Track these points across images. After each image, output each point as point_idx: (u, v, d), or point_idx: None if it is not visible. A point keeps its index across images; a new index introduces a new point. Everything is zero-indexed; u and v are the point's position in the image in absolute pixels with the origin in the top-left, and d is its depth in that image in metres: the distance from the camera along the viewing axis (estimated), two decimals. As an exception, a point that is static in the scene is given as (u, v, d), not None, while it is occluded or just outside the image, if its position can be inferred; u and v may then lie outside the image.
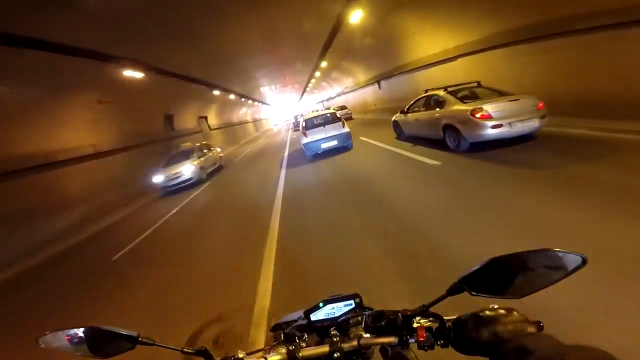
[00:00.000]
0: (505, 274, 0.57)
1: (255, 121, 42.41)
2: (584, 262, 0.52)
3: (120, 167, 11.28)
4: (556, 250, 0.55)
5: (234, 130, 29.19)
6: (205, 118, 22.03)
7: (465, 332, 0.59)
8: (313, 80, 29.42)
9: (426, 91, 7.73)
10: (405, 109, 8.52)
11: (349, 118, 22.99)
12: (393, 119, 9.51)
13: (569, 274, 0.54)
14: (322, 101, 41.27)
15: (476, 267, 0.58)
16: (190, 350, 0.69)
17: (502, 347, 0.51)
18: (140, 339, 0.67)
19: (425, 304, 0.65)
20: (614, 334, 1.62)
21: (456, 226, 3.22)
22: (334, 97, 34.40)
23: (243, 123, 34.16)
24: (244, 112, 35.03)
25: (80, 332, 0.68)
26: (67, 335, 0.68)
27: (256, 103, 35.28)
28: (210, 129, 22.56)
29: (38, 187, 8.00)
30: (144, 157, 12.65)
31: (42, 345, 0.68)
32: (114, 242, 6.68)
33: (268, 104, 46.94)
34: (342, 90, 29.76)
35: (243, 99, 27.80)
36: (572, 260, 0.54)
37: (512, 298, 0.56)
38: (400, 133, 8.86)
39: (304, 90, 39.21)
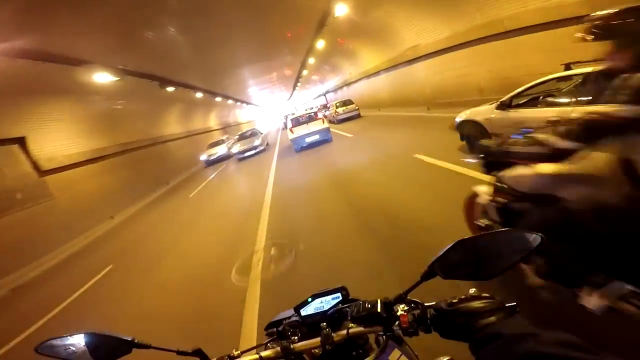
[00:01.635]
0: (473, 256, 0.60)
1: (226, 127, 31.65)
2: (543, 240, 0.56)
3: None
4: (516, 231, 0.59)
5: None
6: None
7: (443, 317, 0.62)
8: (305, 72, 24.82)
9: (568, 67, 3.78)
10: (509, 100, 4.44)
11: (355, 116, 18.09)
12: (465, 118, 5.34)
13: (529, 253, 0.57)
14: (324, 94, 34.71)
15: (444, 250, 0.62)
16: (185, 351, 0.71)
17: (478, 334, 0.53)
18: (135, 342, 0.70)
19: (402, 291, 0.68)
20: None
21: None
22: (337, 87, 28.37)
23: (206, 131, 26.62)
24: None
25: (78, 338, 0.71)
26: (66, 342, 0.71)
27: (234, 102, 30.13)
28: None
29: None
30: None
31: (41, 354, 0.69)
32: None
33: (254, 104, 42.05)
34: (344, 80, 24.37)
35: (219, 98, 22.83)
36: (531, 239, 0.57)
37: (481, 280, 0.59)
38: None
39: (295, 85, 33.26)
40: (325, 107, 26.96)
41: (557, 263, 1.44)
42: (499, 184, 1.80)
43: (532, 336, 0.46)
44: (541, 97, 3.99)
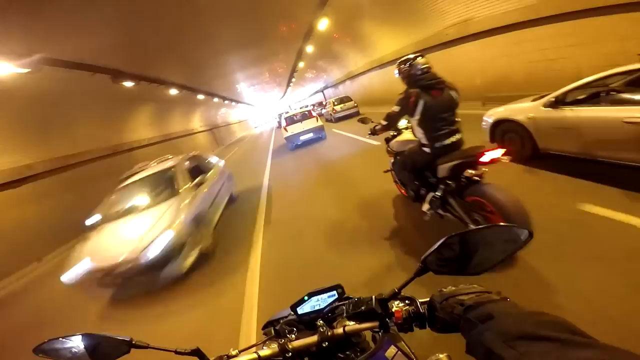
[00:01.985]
0: (464, 251, 0.63)
1: (213, 129, 28.28)
2: (531, 235, 0.59)
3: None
4: (505, 226, 0.63)
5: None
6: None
7: (436, 312, 0.64)
8: (301, 64, 22.21)
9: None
10: (562, 95, 3.33)
11: (354, 114, 16.52)
12: (500, 117, 4.14)
13: (520, 248, 0.61)
14: (323, 90, 30.36)
15: (435, 246, 0.65)
16: (184, 351, 0.72)
17: (468, 315, 0.55)
18: (134, 343, 0.71)
19: (397, 287, 0.71)
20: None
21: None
22: (338, 82, 25.09)
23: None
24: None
25: (76, 339, 0.72)
26: (64, 344, 0.72)
27: (222, 101, 27.28)
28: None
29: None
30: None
31: (40, 356, 0.71)
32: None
33: (247, 103, 39.73)
34: (347, 73, 21.11)
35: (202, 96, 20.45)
36: (520, 234, 0.60)
37: (473, 274, 0.63)
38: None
39: (290, 81, 30.01)
40: (321, 104, 24.91)
41: (409, 186, 3.13)
42: (389, 149, 3.65)
43: (525, 317, 0.47)
44: (605, 93, 3.05)
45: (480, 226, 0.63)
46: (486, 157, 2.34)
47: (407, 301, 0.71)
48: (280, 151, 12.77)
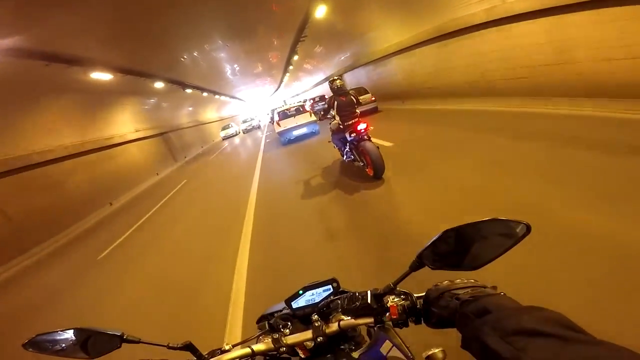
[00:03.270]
0: (460, 246, 0.62)
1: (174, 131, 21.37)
2: (528, 229, 0.58)
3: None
4: (502, 220, 0.60)
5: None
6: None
7: (431, 307, 0.64)
8: (296, 58, 18.92)
9: None
10: None
11: (371, 111, 13.40)
12: None
13: (517, 242, 0.59)
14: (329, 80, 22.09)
15: (431, 241, 0.64)
16: (176, 346, 0.72)
17: (464, 310, 0.54)
18: (125, 337, 0.71)
19: (392, 282, 0.71)
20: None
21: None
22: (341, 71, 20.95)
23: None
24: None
25: (67, 334, 0.71)
26: (55, 338, 0.71)
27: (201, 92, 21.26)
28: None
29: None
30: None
31: (30, 350, 0.70)
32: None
33: (233, 97, 34.73)
34: (353, 62, 18.11)
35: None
36: (517, 228, 0.59)
37: (470, 269, 0.62)
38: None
39: (285, 71, 25.93)
40: (322, 98, 21.64)
41: (338, 147, 6.42)
42: (330, 127, 6.27)
43: (521, 313, 0.47)
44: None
45: (476, 220, 0.63)
46: (359, 128, 5.11)
47: (402, 296, 0.72)
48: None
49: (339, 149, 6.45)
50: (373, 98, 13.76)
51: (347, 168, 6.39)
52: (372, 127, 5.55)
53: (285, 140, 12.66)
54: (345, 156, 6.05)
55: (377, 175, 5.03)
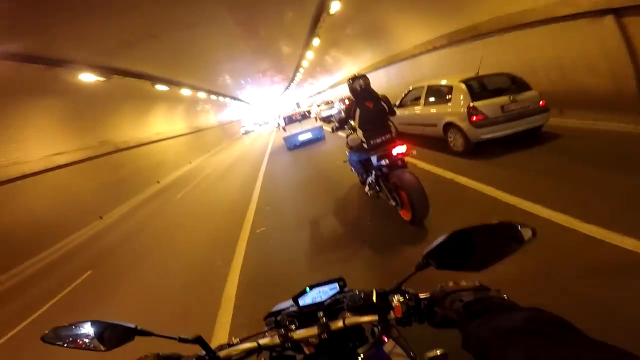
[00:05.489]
0: (466, 247, 0.63)
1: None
2: (534, 234, 0.59)
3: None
4: (509, 223, 0.61)
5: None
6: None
7: (435, 307, 0.66)
8: (310, 53, 16.54)
9: None
10: None
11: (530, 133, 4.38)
12: None
13: (523, 246, 0.60)
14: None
15: (439, 242, 0.65)
16: (186, 338, 0.74)
17: (466, 311, 0.55)
18: (138, 330, 0.74)
19: (398, 281, 0.72)
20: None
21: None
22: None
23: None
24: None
25: (84, 326, 0.74)
26: (72, 331, 0.73)
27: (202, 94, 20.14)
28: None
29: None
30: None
31: (48, 342, 0.71)
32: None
33: (238, 99, 32.66)
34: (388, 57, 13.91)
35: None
36: (524, 232, 0.60)
37: (474, 270, 0.62)
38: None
39: (297, 69, 24.32)
40: (342, 101, 18.42)
41: (356, 172, 4.66)
42: (347, 143, 4.69)
43: (519, 313, 0.47)
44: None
45: (483, 223, 0.63)
46: (394, 151, 3.54)
47: (407, 296, 0.72)
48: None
49: (358, 173, 4.74)
50: (542, 102, 5.40)
51: (368, 202, 4.61)
52: (414, 151, 3.77)
53: (291, 146, 12.53)
54: (367, 187, 4.22)
55: (416, 218, 3.39)
